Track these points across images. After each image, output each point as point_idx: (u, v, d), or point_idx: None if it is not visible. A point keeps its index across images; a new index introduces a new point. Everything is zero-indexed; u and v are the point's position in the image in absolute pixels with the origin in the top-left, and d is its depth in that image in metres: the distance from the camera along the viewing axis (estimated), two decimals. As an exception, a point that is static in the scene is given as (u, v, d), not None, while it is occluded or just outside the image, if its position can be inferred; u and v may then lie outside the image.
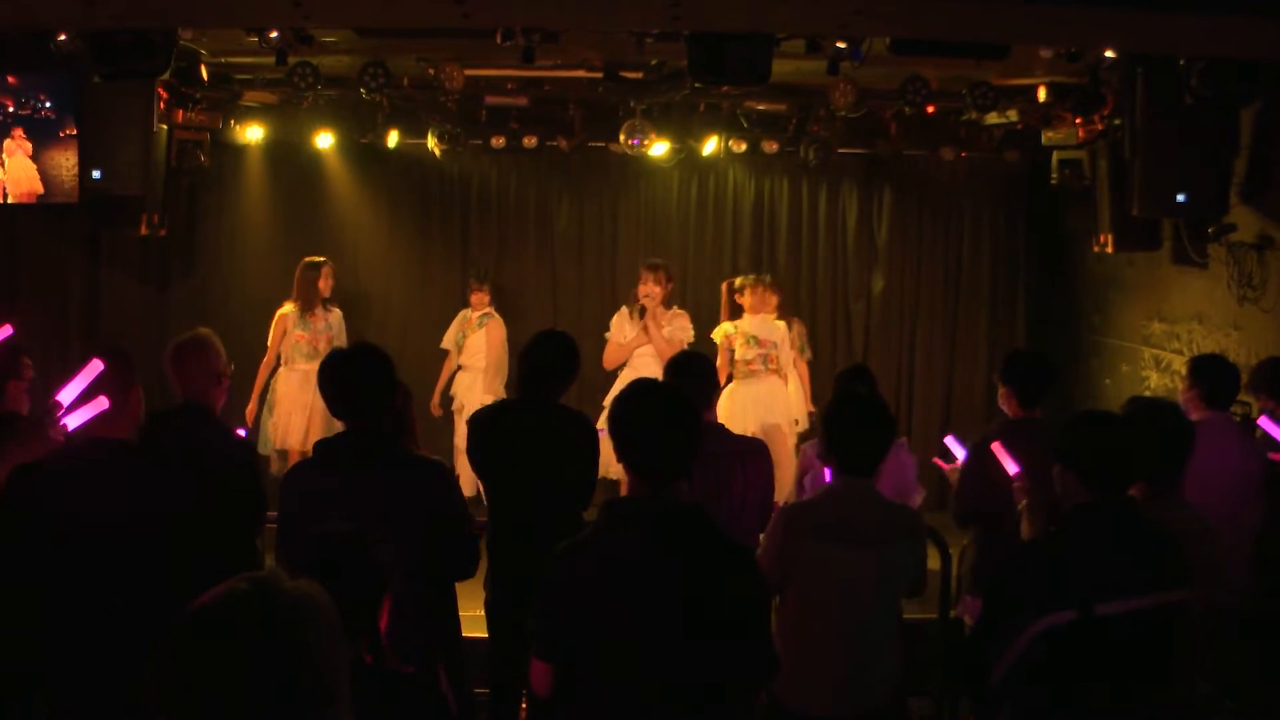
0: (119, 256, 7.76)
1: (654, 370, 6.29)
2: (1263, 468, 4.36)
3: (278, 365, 7.07)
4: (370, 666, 2.30)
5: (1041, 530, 3.38)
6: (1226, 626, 3.71)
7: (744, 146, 7.32)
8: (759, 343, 6.93)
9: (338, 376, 3.40)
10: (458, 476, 4.10)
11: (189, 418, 3.80)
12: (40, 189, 5.78)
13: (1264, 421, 4.58)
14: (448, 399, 7.45)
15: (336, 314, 7.15)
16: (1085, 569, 2.81)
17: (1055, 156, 6.92)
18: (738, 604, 2.56)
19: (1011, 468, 3.74)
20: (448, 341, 7.50)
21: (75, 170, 5.78)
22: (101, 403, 3.23)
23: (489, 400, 6.85)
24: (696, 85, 5.78)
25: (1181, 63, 5.22)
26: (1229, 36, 4.59)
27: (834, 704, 3.33)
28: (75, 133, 5.75)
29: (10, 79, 5.67)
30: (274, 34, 5.51)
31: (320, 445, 3.50)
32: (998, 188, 8.30)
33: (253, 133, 7.28)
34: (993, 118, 6.76)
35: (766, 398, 6.90)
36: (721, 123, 7.30)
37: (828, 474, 3.57)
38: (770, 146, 7.33)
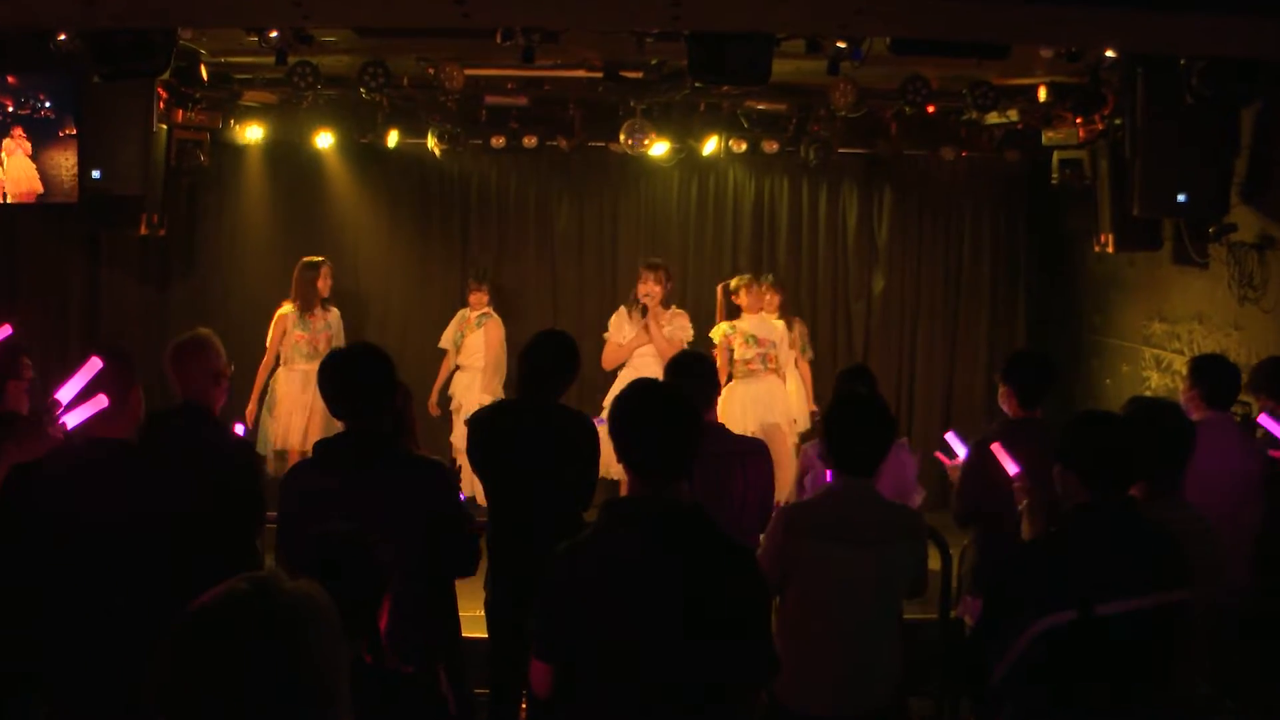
0: (119, 256, 7.75)
1: (654, 370, 6.29)
2: (1263, 468, 4.36)
3: (277, 365, 7.07)
4: (370, 667, 2.30)
5: (1042, 530, 3.38)
6: (1227, 626, 3.70)
7: (744, 146, 7.32)
8: (758, 342, 6.93)
9: (338, 376, 3.40)
10: (460, 468, 4.10)
11: (189, 418, 3.80)
12: (40, 189, 5.78)
13: (1264, 419, 4.58)
14: (446, 399, 7.44)
15: (335, 314, 7.14)
16: (1085, 569, 2.81)
17: (1056, 156, 6.92)
18: (738, 604, 2.56)
19: (1011, 468, 3.74)
20: (446, 341, 7.50)
21: (75, 170, 5.77)
22: (100, 401, 3.23)
23: (487, 400, 6.85)
24: (697, 85, 5.80)
25: (1182, 62, 5.22)
26: (1229, 36, 4.59)
27: (834, 704, 3.33)
28: (75, 132, 5.74)
29: (10, 79, 5.66)
30: (274, 34, 5.51)
31: (320, 445, 3.50)
32: (998, 188, 8.29)
33: (252, 132, 7.27)
34: (993, 117, 6.76)
35: (766, 397, 6.90)
36: (722, 122, 7.30)
37: (828, 474, 3.57)
38: (770, 146, 7.33)
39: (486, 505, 4.19)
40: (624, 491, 2.84)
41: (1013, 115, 6.80)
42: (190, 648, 1.43)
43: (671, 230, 8.28)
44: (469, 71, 6.25)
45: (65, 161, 5.76)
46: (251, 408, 6.97)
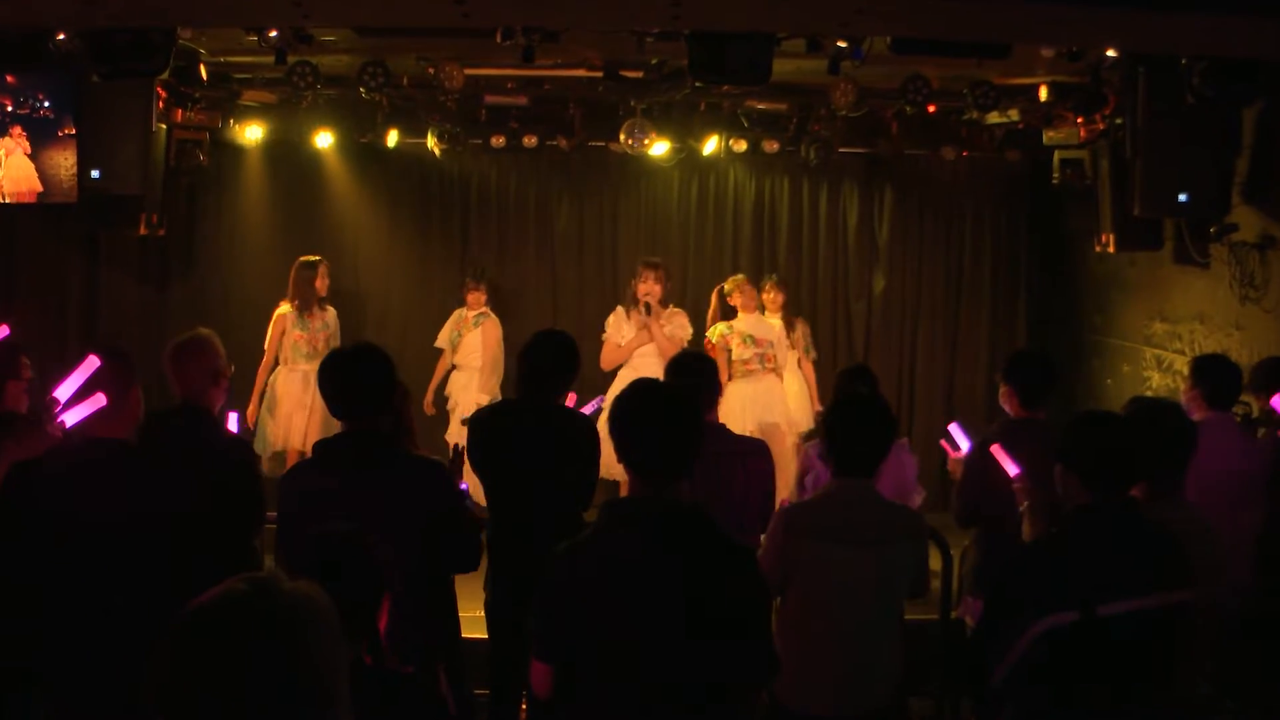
0: (118, 256, 7.74)
1: (654, 370, 6.28)
2: (1264, 468, 4.35)
3: (276, 365, 7.06)
4: (370, 667, 2.29)
5: (1043, 531, 3.37)
6: (1228, 627, 3.70)
7: (744, 146, 7.31)
8: (755, 342, 6.93)
9: (338, 376, 3.39)
10: (463, 452, 4.08)
11: (188, 418, 3.80)
12: (39, 188, 5.77)
13: (1278, 401, 4.56)
14: (442, 398, 7.43)
15: (332, 313, 7.14)
16: (1086, 570, 2.80)
17: (1057, 156, 6.92)
18: (738, 604, 2.56)
19: (1012, 469, 3.73)
20: (442, 340, 7.49)
21: (74, 170, 5.77)
22: (99, 400, 3.23)
23: (484, 400, 6.85)
24: (697, 84, 5.79)
25: (1183, 62, 5.21)
26: (1230, 36, 4.58)
27: (834, 704, 3.33)
28: (74, 132, 5.73)
29: (9, 78, 5.66)
30: (273, 33, 5.50)
31: (320, 445, 3.50)
32: (999, 187, 8.29)
33: (252, 132, 7.26)
34: (994, 117, 6.76)
35: (765, 397, 6.91)
36: (722, 122, 7.29)
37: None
38: (771, 146, 7.32)
39: (486, 505, 4.19)
40: (624, 491, 2.84)
41: (1014, 115, 6.80)
42: (189, 647, 1.43)
43: (671, 230, 8.27)
44: (469, 71, 6.24)
45: (64, 161, 5.75)
46: (252, 408, 6.96)
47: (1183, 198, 5.84)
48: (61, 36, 5.30)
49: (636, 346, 6.96)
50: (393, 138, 7.26)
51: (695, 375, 4.03)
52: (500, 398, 6.93)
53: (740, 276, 7.21)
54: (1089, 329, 8.02)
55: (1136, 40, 5.17)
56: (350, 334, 7.14)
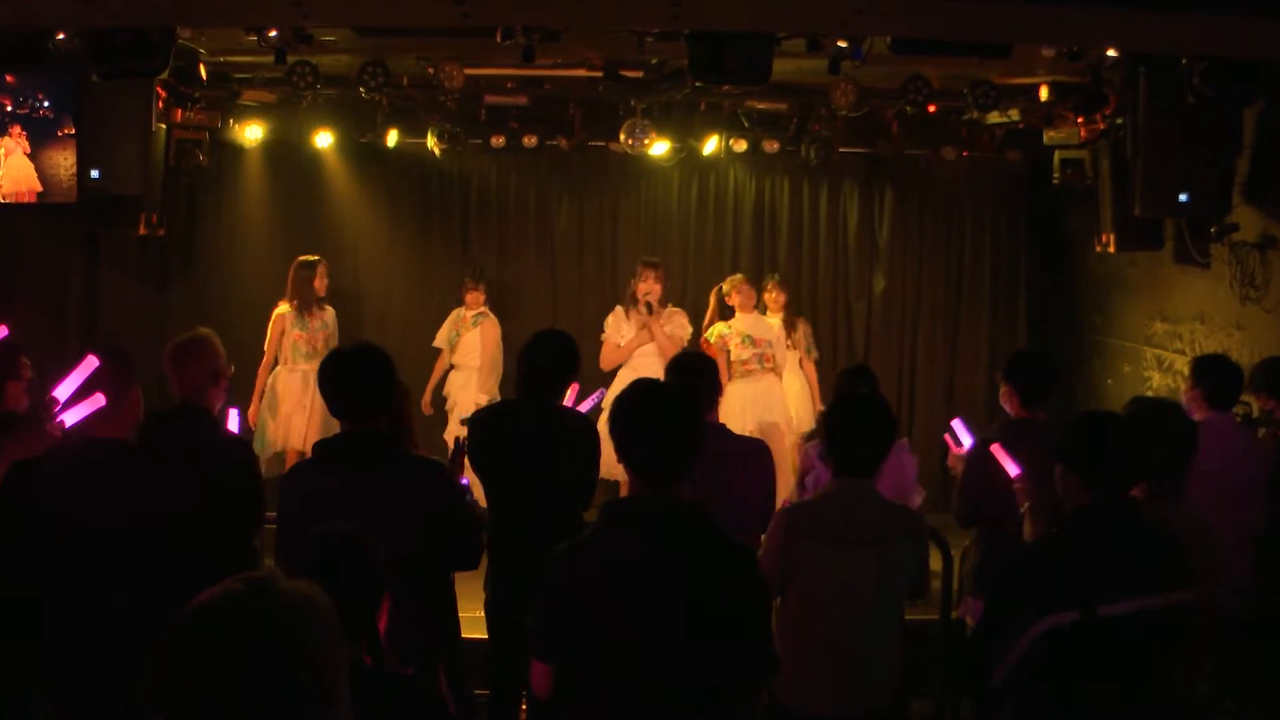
0: (117, 256, 7.74)
1: (654, 370, 6.28)
2: (1265, 468, 4.35)
3: (275, 365, 7.06)
4: (370, 668, 2.29)
5: (1043, 531, 3.37)
6: (1227, 627, 3.70)
7: (745, 146, 7.31)
8: (754, 342, 6.93)
9: (338, 376, 3.39)
10: (466, 445, 4.08)
11: (188, 418, 3.80)
12: (38, 188, 5.76)
13: None
14: (440, 398, 7.43)
15: (330, 312, 7.13)
16: (1086, 570, 2.80)
17: (1057, 156, 6.91)
18: (738, 604, 2.55)
19: (1012, 469, 3.73)
20: (440, 340, 7.48)
21: (73, 169, 5.76)
22: (98, 400, 3.22)
23: (483, 399, 6.85)
24: (697, 84, 5.79)
25: (1184, 62, 5.21)
26: (1231, 36, 4.58)
27: (834, 704, 3.33)
28: (73, 132, 5.73)
29: (8, 78, 5.65)
30: (273, 33, 5.50)
31: (320, 445, 3.49)
32: (999, 187, 8.29)
33: (252, 132, 7.26)
34: (994, 117, 6.76)
35: (764, 396, 6.90)
36: (722, 122, 7.29)
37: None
38: (771, 146, 7.32)
39: (486, 505, 4.18)
40: (624, 491, 2.83)
41: (1014, 115, 6.80)
42: (188, 648, 1.43)
43: (671, 230, 8.27)
44: (469, 71, 6.24)
45: (64, 161, 5.75)
46: (254, 409, 6.96)
47: (1183, 198, 5.84)
48: (61, 36, 5.30)
49: (636, 346, 6.96)
50: (393, 138, 7.26)
51: (695, 375, 4.02)
52: (499, 398, 6.93)
53: (738, 276, 7.21)
54: (1089, 329, 8.02)
55: (1137, 40, 5.17)
56: (350, 334, 7.13)
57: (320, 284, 7.02)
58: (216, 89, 6.64)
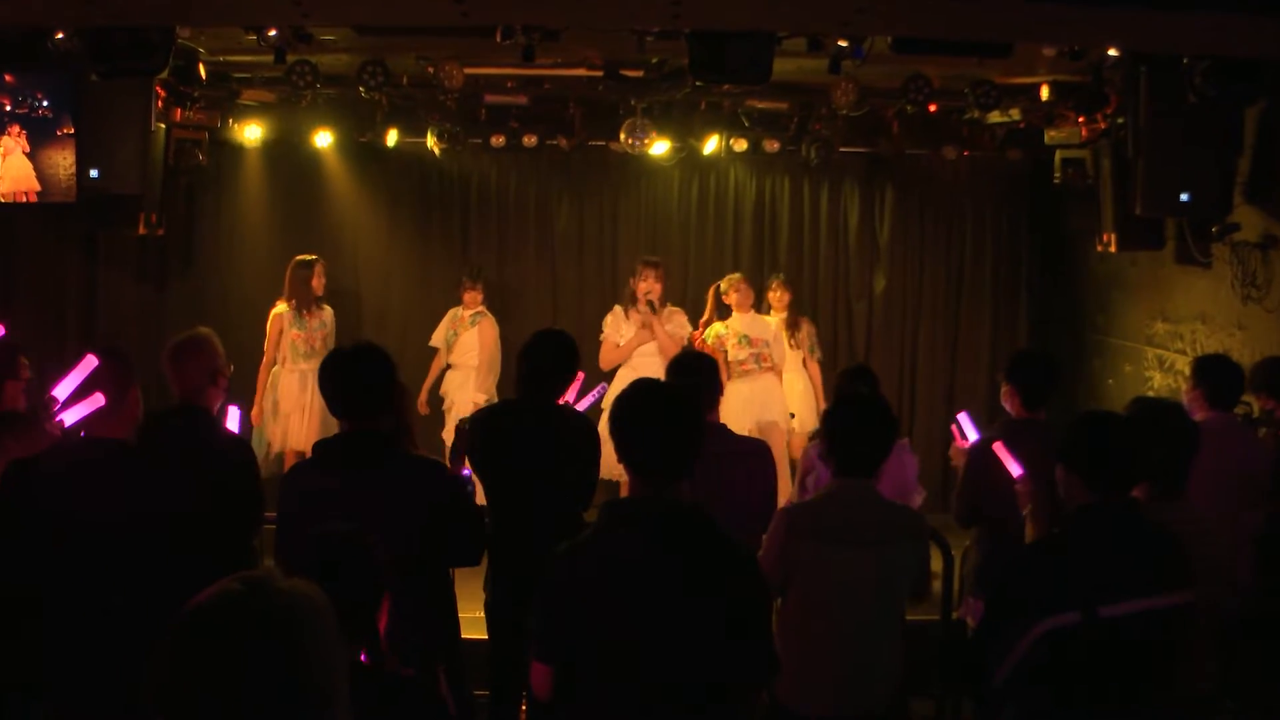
0: (116, 256, 7.73)
1: (654, 370, 6.28)
2: (1265, 468, 4.34)
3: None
4: (369, 669, 2.28)
5: (1045, 532, 3.37)
6: (1228, 627, 3.69)
7: (745, 145, 7.30)
8: (750, 342, 6.92)
9: (339, 376, 3.39)
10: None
11: (187, 418, 3.79)
12: (37, 187, 5.76)
13: None
14: (437, 398, 7.42)
15: (329, 312, 7.12)
16: (1086, 570, 2.80)
17: (1058, 155, 6.91)
18: (738, 604, 2.55)
19: (1015, 470, 3.72)
20: (437, 339, 7.47)
21: (73, 169, 5.76)
22: (97, 399, 3.22)
23: (481, 399, 6.84)
24: (697, 84, 5.78)
25: (1185, 62, 5.21)
26: (1232, 36, 4.57)
27: (834, 704, 3.33)
28: (73, 131, 5.72)
29: (7, 77, 5.65)
30: (273, 32, 5.49)
31: (320, 445, 3.49)
32: (1000, 187, 8.28)
33: (251, 131, 7.25)
34: (995, 116, 6.76)
35: (762, 395, 6.89)
36: (722, 121, 7.28)
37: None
38: (771, 145, 7.31)
39: (486, 505, 4.18)
40: (624, 492, 2.83)
41: (1015, 114, 6.79)
42: (187, 647, 1.42)
43: (672, 230, 8.26)
44: (469, 70, 6.23)
45: (63, 160, 5.74)
46: (257, 409, 6.95)
47: (1184, 197, 5.84)
48: (60, 35, 5.29)
49: (636, 346, 6.95)
50: (392, 137, 7.25)
51: (696, 375, 4.02)
52: (496, 398, 6.92)
53: (736, 275, 7.19)
54: (1090, 329, 8.01)
55: (1138, 40, 5.16)
56: (349, 334, 7.12)
57: (318, 283, 7.01)
58: (216, 88, 6.63)
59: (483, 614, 4.18)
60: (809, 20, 4.90)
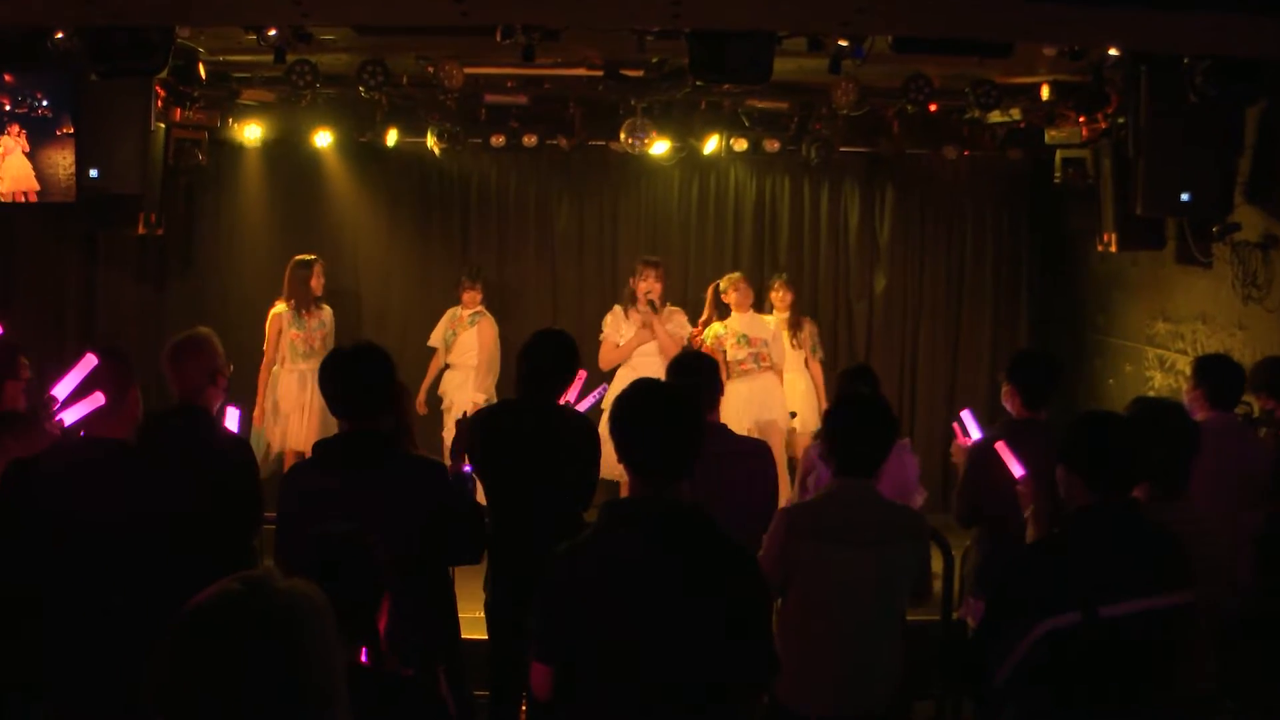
0: (116, 256, 7.73)
1: (654, 369, 6.27)
2: (1265, 468, 4.34)
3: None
4: (369, 669, 2.28)
5: (1045, 532, 3.37)
6: (1228, 627, 3.69)
7: (745, 145, 7.29)
8: (749, 341, 6.92)
9: (339, 376, 3.39)
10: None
11: (186, 418, 3.79)
12: (37, 187, 5.76)
13: None
14: (436, 397, 7.41)
15: (327, 311, 7.12)
16: (1087, 570, 2.80)
17: (1059, 155, 6.91)
18: (738, 604, 2.55)
19: (1017, 470, 3.72)
20: (435, 339, 7.46)
21: (72, 169, 5.75)
22: (97, 399, 3.21)
23: (480, 399, 6.84)
24: (697, 83, 5.79)
25: (1185, 61, 5.20)
26: (1232, 36, 4.57)
27: (834, 704, 3.32)
28: (72, 131, 5.72)
29: (7, 77, 5.65)
30: (273, 32, 5.49)
31: (320, 445, 3.49)
32: (1001, 186, 8.28)
33: (251, 131, 7.25)
34: (996, 116, 6.75)
35: (761, 395, 6.89)
36: (723, 121, 7.28)
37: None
38: (772, 145, 7.31)
39: (486, 505, 4.17)
40: (624, 492, 2.83)
41: (1015, 114, 6.79)
42: (187, 647, 1.42)
43: (672, 230, 8.26)
44: (468, 70, 6.22)
45: (62, 160, 5.74)
46: (258, 410, 6.94)
47: (1185, 197, 5.84)
48: (60, 35, 5.29)
49: (636, 345, 6.95)
50: (392, 137, 7.24)
51: (696, 375, 4.01)
52: (495, 398, 6.92)
53: (736, 275, 7.18)
54: (1091, 329, 8.01)
55: (1138, 40, 5.16)
56: (349, 334, 7.11)
57: (317, 283, 7.00)
58: (216, 88, 6.63)
59: (483, 614, 4.18)
60: (809, 20, 4.90)
